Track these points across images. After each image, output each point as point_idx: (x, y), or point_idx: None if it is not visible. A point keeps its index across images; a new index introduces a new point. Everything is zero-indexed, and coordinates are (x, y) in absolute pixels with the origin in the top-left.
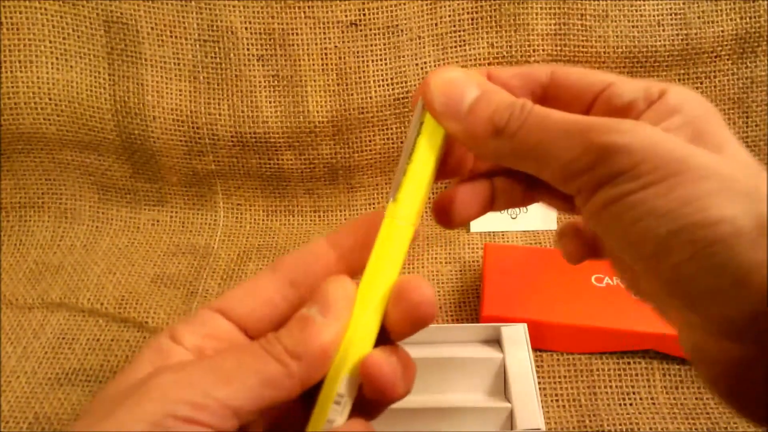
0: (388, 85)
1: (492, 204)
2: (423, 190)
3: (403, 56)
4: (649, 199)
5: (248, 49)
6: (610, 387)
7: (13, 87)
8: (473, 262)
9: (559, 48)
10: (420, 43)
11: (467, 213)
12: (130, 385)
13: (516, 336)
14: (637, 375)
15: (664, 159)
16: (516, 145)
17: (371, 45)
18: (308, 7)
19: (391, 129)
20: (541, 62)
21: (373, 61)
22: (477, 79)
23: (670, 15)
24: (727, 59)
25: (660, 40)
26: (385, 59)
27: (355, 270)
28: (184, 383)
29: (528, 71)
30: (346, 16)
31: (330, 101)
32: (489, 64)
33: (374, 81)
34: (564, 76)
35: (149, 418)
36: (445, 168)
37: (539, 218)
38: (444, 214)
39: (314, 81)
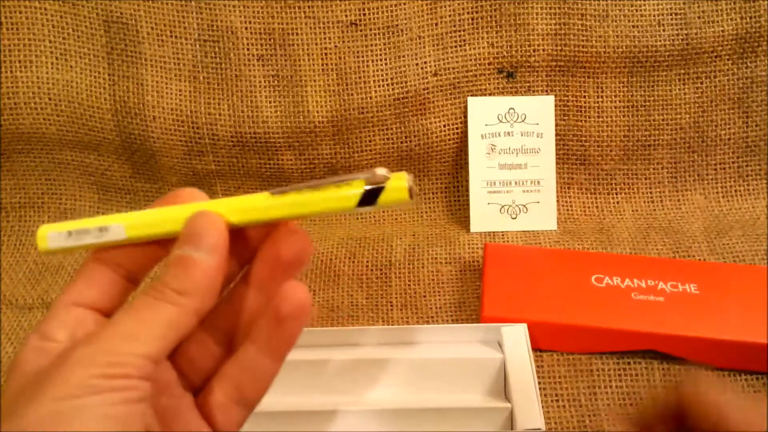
0: (388, 85)
1: None
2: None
3: (403, 56)
4: None
5: (248, 49)
6: (610, 387)
7: (13, 87)
8: (473, 262)
9: (559, 48)
10: (420, 43)
11: None
12: (35, 374)
13: (516, 336)
14: (637, 375)
15: None
16: None
17: (371, 45)
18: (308, 7)
19: (391, 129)
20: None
21: (373, 61)
22: None
23: (670, 15)
24: (727, 59)
25: (660, 40)
26: (385, 59)
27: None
28: (99, 350)
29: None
30: (346, 16)
31: (330, 101)
32: (489, 64)
33: (374, 81)
34: None
35: (79, 383)
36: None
37: (539, 218)
38: None
39: (314, 81)
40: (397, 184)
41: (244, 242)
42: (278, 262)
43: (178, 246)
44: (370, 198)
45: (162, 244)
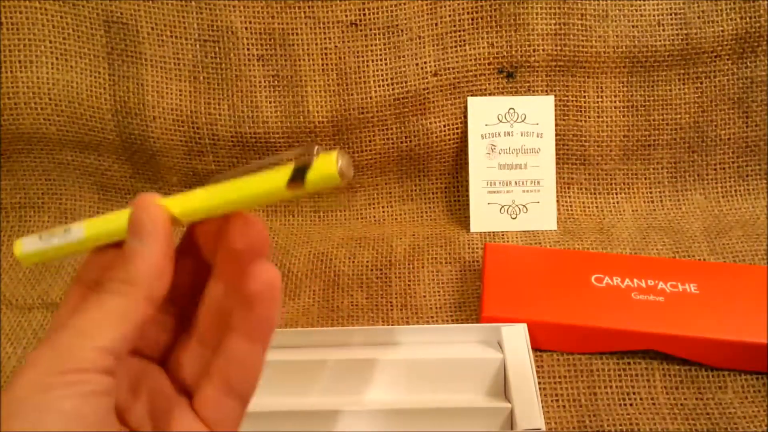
0: (388, 85)
1: None
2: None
3: (403, 56)
4: None
5: (248, 49)
6: (610, 387)
7: (13, 87)
8: (473, 262)
9: (559, 48)
10: (420, 43)
11: None
12: None
13: (516, 336)
14: (637, 375)
15: None
16: None
17: (371, 45)
18: (308, 7)
19: (391, 129)
20: (539, 65)
21: (373, 61)
22: None
23: (670, 15)
24: (727, 59)
25: (660, 40)
26: (385, 59)
27: None
28: (50, 350)
29: None
30: (346, 16)
31: (330, 101)
32: (489, 64)
33: (374, 81)
34: None
35: (31, 383)
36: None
37: (539, 218)
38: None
39: (314, 81)
40: (326, 162)
41: (207, 241)
42: (233, 253)
43: (125, 242)
44: (299, 177)
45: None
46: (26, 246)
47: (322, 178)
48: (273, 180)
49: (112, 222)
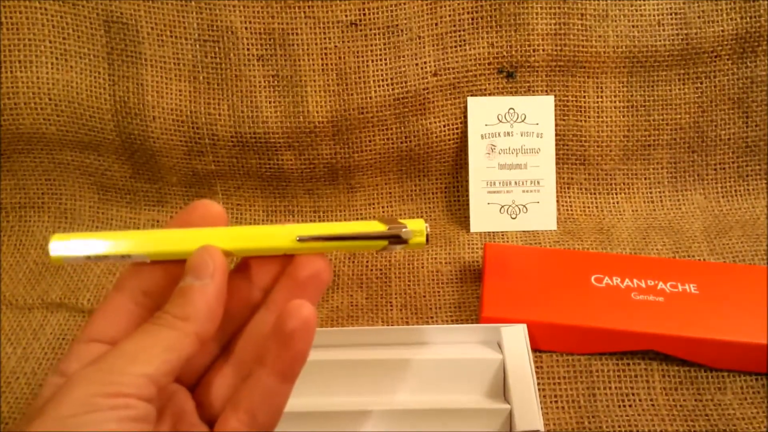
0: (388, 85)
1: None
2: (331, 243)
3: (403, 56)
4: None
5: (248, 49)
6: (610, 388)
7: (13, 87)
8: (473, 262)
9: (559, 48)
10: (420, 43)
11: None
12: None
13: (515, 337)
14: (636, 376)
15: None
16: None
17: (371, 45)
18: (308, 7)
19: (391, 129)
20: (537, 65)
21: (373, 61)
22: None
23: (670, 15)
24: (727, 59)
25: (660, 40)
26: (385, 59)
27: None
28: (99, 371)
29: None
30: (346, 16)
31: (330, 101)
32: (489, 64)
33: (374, 81)
34: None
35: (79, 402)
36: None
37: (539, 218)
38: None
39: (314, 81)
40: (418, 239)
41: (265, 270)
42: (295, 283)
43: (182, 279)
44: (393, 244)
45: (181, 266)
46: (68, 259)
47: (412, 247)
48: (364, 248)
49: (174, 245)
